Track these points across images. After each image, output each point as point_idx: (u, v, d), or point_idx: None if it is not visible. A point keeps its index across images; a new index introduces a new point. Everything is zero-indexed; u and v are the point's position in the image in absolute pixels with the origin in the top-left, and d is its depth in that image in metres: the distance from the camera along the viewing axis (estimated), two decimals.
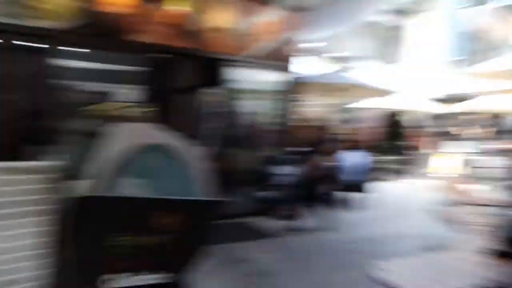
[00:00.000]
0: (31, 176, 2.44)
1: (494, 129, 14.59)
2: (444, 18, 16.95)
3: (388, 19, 17.96)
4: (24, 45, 4.42)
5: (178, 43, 5.33)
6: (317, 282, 3.75)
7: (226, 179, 5.18)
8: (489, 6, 16.75)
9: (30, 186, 2.41)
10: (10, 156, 3.05)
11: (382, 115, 14.10)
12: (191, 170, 2.88)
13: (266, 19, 6.04)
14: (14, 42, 4.33)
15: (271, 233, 5.23)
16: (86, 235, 2.36)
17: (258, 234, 5.16)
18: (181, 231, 2.61)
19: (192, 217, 2.69)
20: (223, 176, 5.29)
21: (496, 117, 13.98)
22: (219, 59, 5.89)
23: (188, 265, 2.65)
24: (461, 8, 16.76)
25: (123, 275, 2.40)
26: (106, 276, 2.35)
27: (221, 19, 5.63)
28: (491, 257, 2.94)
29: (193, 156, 2.93)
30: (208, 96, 7.58)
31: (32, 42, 4.45)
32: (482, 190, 8.19)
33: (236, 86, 6.62)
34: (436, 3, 17.44)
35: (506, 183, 9.08)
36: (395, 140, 13.47)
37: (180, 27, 5.31)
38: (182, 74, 8.23)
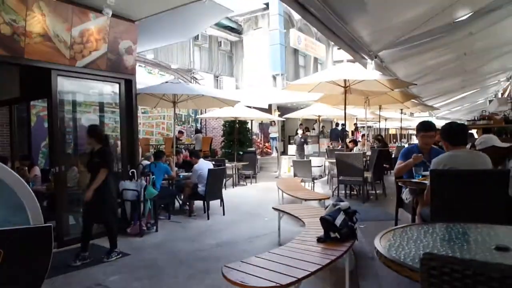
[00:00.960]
0: None
1: (319, 132, 16.99)
2: (271, 37, 18.89)
3: (223, 35, 19.06)
4: None
5: None
6: None
7: (66, 199, 4.68)
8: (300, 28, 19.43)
9: None
10: None
11: (227, 124, 14.76)
12: (12, 195, 2.49)
13: (95, 27, 5.67)
14: None
15: (124, 251, 4.93)
16: None
17: (104, 255, 4.78)
18: (6, 265, 2.21)
19: (18, 248, 2.31)
20: (61, 197, 4.77)
21: (321, 122, 16.24)
22: (47, 69, 5.26)
23: None
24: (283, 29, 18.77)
25: None
26: None
27: (44, 24, 5.01)
28: (325, 244, 3.44)
29: (14, 179, 2.53)
30: (36, 109, 6.67)
31: None
32: (310, 186, 9.43)
33: (71, 98, 6.03)
34: (265, 22, 19.30)
35: (326, 179, 10.72)
36: (243, 146, 14.24)
37: None
38: None
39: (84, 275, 4.23)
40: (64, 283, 3.96)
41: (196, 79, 16.38)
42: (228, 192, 9.81)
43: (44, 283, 2.55)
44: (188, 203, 7.56)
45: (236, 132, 13.31)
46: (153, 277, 4.17)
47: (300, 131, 15.62)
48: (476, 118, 8.83)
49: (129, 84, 6.42)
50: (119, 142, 6.53)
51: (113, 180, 4.94)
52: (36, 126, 8.48)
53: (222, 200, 7.52)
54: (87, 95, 6.41)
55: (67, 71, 5.50)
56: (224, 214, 7.33)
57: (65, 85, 5.66)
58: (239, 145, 13.55)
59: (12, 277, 2.26)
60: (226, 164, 10.41)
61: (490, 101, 15.64)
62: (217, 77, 18.53)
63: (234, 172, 11.92)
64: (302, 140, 14.97)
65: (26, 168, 6.57)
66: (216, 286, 3.75)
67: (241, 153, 13.23)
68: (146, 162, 7.39)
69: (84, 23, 5.54)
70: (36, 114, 8.65)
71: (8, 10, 4.65)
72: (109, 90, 6.41)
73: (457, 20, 5.31)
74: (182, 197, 7.93)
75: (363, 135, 15.49)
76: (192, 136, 15.76)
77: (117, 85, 6.32)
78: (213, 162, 8.80)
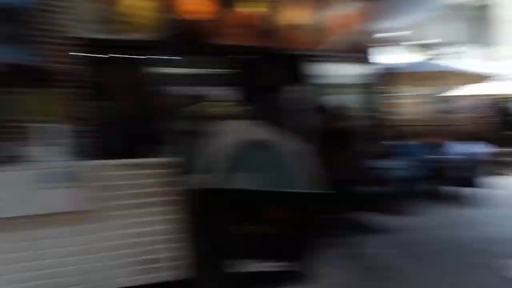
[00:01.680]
0: (149, 171, 2.60)
1: None
2: None
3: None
4: (123, 57, 4.75)
5: (258, 43, 5.42)
6: (451, 281, 3.44)
7: (329, 174, 5.00)
8: None
9: (150, 180, 2.58)
10: (127, 156, 3.17)
11: (487, 103, 12.79)
12: (295, 164, 2.85)
13: (342, 11, 5.98)
14: (114, 55, 4.65)
15: (383, 229, 4.94)
16: (209, 224, 2.55)
17: (369, 230, 4.91)
18: (293, 222, 2.69)
19: (302, 209, 2.74)
20: (326, 172, 5.14)
21: None
22: (300, 56, 5.83)
23: (306, 256, 2.69)
24: None
25: (247, 261, 2.48)
26: (231, 262, 2.46)
27: (297, 15, 5.65)
28: None
29: (295, 151, 2.91)
30: (295, 93, 7.47)
31: (129, 54, 4.77)
32: None
33: (321, 81, 6.45)
34: None
35: None
36: (509, 130, 12.15)
37: (258, 27, 5.41)
38: (268, 73, 8.33)
39: (348, 242, 4.38)
40: (330, 246, 4.11)
41: (449, 53, 14.70)
42: (496, 182, 8.33)
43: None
44: (450, 189, 6.83)
45: (504, 112, 11.31)
46: (417, 258, 4.03)
47: None
48: None
49: (374, 65, 6.47)
50: (368, 123, 6.59)
51: None
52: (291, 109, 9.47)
53: (486, 190, 6.67)
54: (336, 77, 6.66)
55: (318, 56, 5.87)
56: (490, 206, 6.25)
57: (316, 70, 6.04)
58: (509, 128, 11.55)
59: (303, 234, 2.67)
60: (492, 149, 8.92)
61: None
62: (474, 48, 16.08)
63: (502, 159, 10.11)
64: None
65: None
66: (492, 281, 3.21)
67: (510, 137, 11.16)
68: (404, 143, 7.22)
69: (332, 9, 5.89)
70: (292, 97, 9.64)
71: (263, 5, 5.45)
72: (356, 71, 6.51)
73: None
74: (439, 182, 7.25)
75: None
76: (448, 116, 14.29)
77: (363, 66, 6.40)
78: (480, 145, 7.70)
